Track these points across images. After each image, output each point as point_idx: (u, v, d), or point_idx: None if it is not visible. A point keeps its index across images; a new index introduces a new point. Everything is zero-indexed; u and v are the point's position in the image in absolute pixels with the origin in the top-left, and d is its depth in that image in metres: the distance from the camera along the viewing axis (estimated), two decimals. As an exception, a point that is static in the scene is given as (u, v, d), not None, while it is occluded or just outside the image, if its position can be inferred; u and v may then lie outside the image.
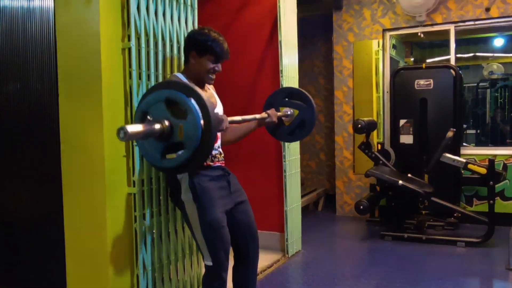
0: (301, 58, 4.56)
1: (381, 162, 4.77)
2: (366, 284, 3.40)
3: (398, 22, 5.35)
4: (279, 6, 3.82)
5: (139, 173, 2.25)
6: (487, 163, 4.21)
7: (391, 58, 5.56)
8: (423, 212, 4.81)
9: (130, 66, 2.23)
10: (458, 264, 3.76)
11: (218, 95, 2.43)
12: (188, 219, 2.21)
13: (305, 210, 5.09)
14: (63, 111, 2.25)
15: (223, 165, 2.33)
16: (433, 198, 4.30)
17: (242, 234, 2.33)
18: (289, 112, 2.59)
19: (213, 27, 2.25)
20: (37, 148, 2.58)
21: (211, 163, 2.23)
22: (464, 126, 6.34)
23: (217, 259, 2.17)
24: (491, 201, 4.19)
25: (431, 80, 4.92)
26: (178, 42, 2.54)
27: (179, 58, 2.55)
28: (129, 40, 2.22)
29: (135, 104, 2.23)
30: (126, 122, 2.24)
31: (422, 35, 5.44)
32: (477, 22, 5.07)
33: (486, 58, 7.84)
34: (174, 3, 2.50)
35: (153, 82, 2.34)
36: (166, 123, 1.67)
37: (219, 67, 2.25)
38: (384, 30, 5.44)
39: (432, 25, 5.20)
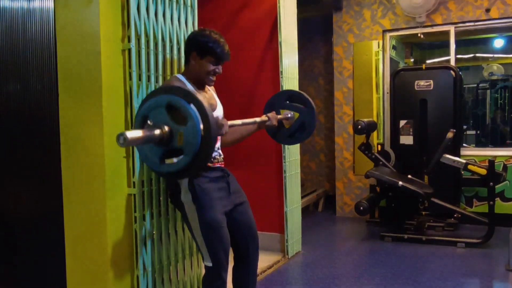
0: (301, 59, 4.56)
1: (381, 163, 4.77)
2: (366, 284, 3.40)
3: (398, 23, 5.35)
4: (279, 6, 3.82)
5: (139, 174, 2.25)
6: (487, 164, 4.21)
7: (391, 59, 5.56)
8: (423, 213, 4.81)
9: (130, 67, 2.23)
10: (458, 265, 3.76)
11: (218, 96, 2.43)
12: (187, 220, 2.21)
13: (305, 211, 5.09)
14: (63, 111, 2.25)
15: (223, 166, 2.33)
16: (433, 199, 4.30)
17: (242, 235, 2.33)
18: (289, 115, 2.59)
19: (213, 28, 2.25)
20: (37, 148, 2.58)
21: (211, 164, 2.23)
22: (464, 127, 6.34)
23: (217, 260, 2.17)
24: (491, 202, 4.19)
25: (431, 81, 4.92)
26: (178, 43, 2.54)
27: (179, 59, 2.55)
28: (129, 41, 2.22)
29: (135, 105, 2.23)
30: (126, 123, 2.24)
31: (422, 36, 5.44)
32: (477, 23, 5.07)
33: (486, 59, 7.85)
34: (174, 3, 2.50)
35: (153, 83, 2.34)
36: (166, 128, 1.67)
37: (219, 69, 2.25)
38: (384, 31, 5.44)
39: (432, 26, 5.20)
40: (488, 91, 7.61)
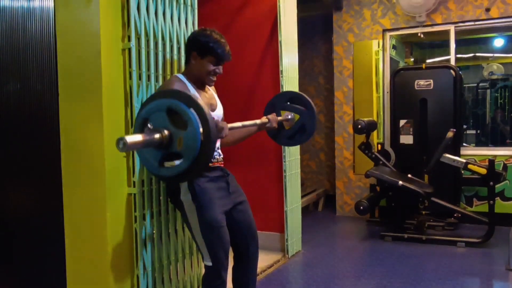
0: (301, 58, 4.56)
1: (381, 162, 4.77)
2: (366, 284, 3.40)
3: (398, 23, 5.35)
4: (279, 6, 3.82)
5: (139, 173, 2.25)
6: (487, 164, 4.21)
7: (391, 59, 5.56)
8: (423, 212, 4.80)
9: (130, 66, 2.23)
10: (458, 264, 3.76)
11: (218, 96, 2.43)
12: (187, 220, 2.21)
13: (305, 210, 5.09)
14: (63, 111, 2.26)
15: (222, 166, 2.33)
16: (433, 199, 4.30)
17: (242, 234, 2.33)
18: (289, 117, 2.59)
19: (213, 27, 2.25)
20: (37, 148, 2.58)
21: (210, 164, 2.22)
22: (464, 126, 6.34)
23: (216, 259, 2.17)
24: (491, 202, 4.19)
25: (431, 80, 4.92)
26: (178, 42, 2.54)
27: (179, 59, 2.55)
28: (129, 40, 2.23)
29: (135, 104, 2.23)
30: (126, 123, 2.24)
31: (422, 36, 5.44)
32: (477, 23, 5.07)
33: (486, 58, 7.85)
34: (174, 3, 2.50)
35: (153, 83, 2.34)
36: (166, 132, 1.67)
37: (220, 69, 2.24)
38: (384, 31, 5.44)
39: (432, 25, 5.20)
40: (488, 91, 7.61)
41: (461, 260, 3.89)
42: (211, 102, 2.31)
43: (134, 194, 2.25)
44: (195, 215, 2.16)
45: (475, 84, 7.75)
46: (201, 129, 1.66)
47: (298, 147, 4.15)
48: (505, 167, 4.88)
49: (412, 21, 5.24)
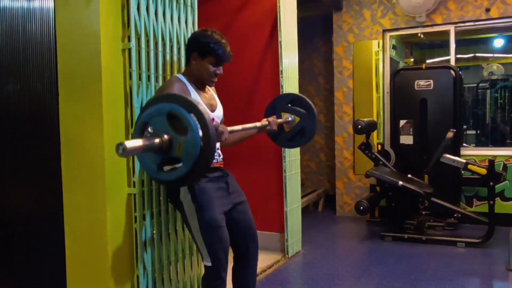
0: (301, 58, 4.56)
1: (381, 162, 4.77)
2: (366, 284, 3.40)
3: (398, 23, 5.35)
4: (279, 6, 3.82)
5: (139, 173, 2.25)
6: (487, 164, 4.21)
7: (391, 59, 5.56)
8: (423, 212, 4.81)
9: (130, 66, 2.23)
10: (458, 265, 3.76)
11: (218, 96, 2.43)
12: (187, 220, 2.21)
13: (305, 210, 5.09)
14: (63, 111, 2.25)
15: (222, 166, 2.33)
16: (433, 199, 4.30)
17: (242, 234, 2.33)
18: (290, 119, 2.59)
19: (213, 27, 2.25)
20: (37, 148, 2.58)
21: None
22: (464, 126, 6.34)
23: (216, 260, 2.17)
24: (491, 202, 4.19)
25: (431, 80, 4.92)
26: (178, 42, 2.54)
27: (179, 59, 2.55)
28: (129, 40, 2.22)
29: (135, 104, 2.23)
30: (126, 123, 2.24)
31: (422, 36, 5.44)
32: (477, 23, 5.07)
33: (486, 58, 7.85)
34: (174, 3, 2.50)
35: (153, 83, 2.34)
36: (166, 137, 1.67)
37: (220, 70, 2.24)
38: (384, 31, 5.44)
39: (432, 25, 5.20)
40: (488, 91, 7.60)
41: (461, 260, 3.89)
42: (211, 102, 2.31)
43: (134, 194, 2.25)
44: (194, 216, 2.15)
45: (475, 84, 7.74)
46: (201, 134, 1.66)
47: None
48: (505, 167, 4.88)
49: (412, 21, 5.24)
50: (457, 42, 5.29)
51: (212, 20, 3.96)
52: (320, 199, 6.11)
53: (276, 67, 3.90)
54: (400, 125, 5.08)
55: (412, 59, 7.16)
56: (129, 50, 2.22)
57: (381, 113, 5.52)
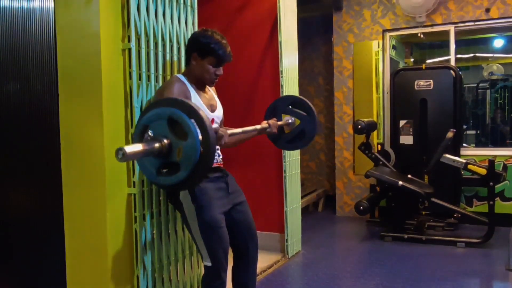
0: (301, 58, 4.56)
1: (381, 162, 4.77)
2: (366, 284, 3.40)
3: (398, 23, 5.35)
4: (279, 6, 3.82)
5: (139, 173, 2.25)
6: (487, 164, 4.21)
7: (391, 59, 5.56)
8: (423, 212, 4.81)
9: (130, 66, 2.23)
10: (458, 265, 3.76)
11: (218, 96, 2.43)
12: (186, 220, 2.21)
13: (305, 210, 5.09)
14: (63, 111, 2.26)
15: (222, 166, 2.33)
16: (433, 199, 4.30)
17: (241, 235, 2.33)
18: (290, 121, 2.59)
19: (213, 28, 2.25)
20: (37, 148, 2.58)
21: (210, 164, 2.22)
22: (464, 126, 6.34)
23: (216, 260, 2.17)
24: (491, 202, 4.19)
25: (431, 80, 4.92)
26: (178, 42, 2.54)
27: (179, 59, 2.56)
28: (129, 40, 2.23)
29: (135, 104, 2.23)
30: (126, 123, 2.24)
31: (422, 36, 5.44)
32: (477, 23, 5.07)
33: (486, 58, 7.85)
34: (174, 3, 2.50)
35: (153, 83, 2.34)
36: (165, 141, 1.67)
37: (220, 70, 2.24)
38: (384, 31, 5.44)
39: (432, 25, 5.20)
40: (488, 91, 7.60)
41: (461, 261, 3.89)
42: (211, 102, 2.31)
43: (134, 195, 2.25)
44: (194, 216, 2.15)
45: (475, 85, 7.74)
46: (201, 139, 1.66)
47: (298, 147, 4.14)
48: (505, 167, 4.89)
49: (412, 21, 5.24)
50: (457, 42, 5.30)
51: (212, 20, 3.96)
52: (320, 199, 6.11)
53: (276, 67, 3.90)
54: (400, 125, 5.08)
55: (412, 59, 7.16)
56: (129, 50, 2.23)
57: (381, 113, 5.52)
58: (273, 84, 3.93)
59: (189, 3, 2.63)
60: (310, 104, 2.60)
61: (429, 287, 3.30)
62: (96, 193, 2.16)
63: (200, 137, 1.65)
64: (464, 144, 5.69)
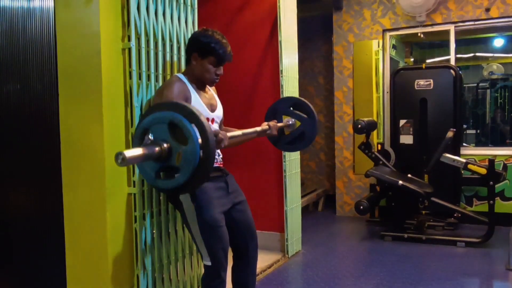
0: (301, 58, 4.56)
1: (381, 162, 4.77)
2: (366, 284, 3.40)
3: (398, 22, 5.35)
4: (279, 6, 3.82)
5: (139, 173, 2.25)
6: (487, 163, 4.21)
7: (391, 58, 5.56)
8: (423, 212, 4.81)
9: (130, 66, 2.23)
10: (458, 264, 3.76)
11: (219, 95, 2.43)
12: (186, 220, 2.21)
13: (305, 210, 5.09)
14: (63, 111, 2.26)
15: (221, 166, 2.33)
16: (433, 198, 4.30)
17: (241, 234, 2.33)
18: (290, 122, 2.60)
19: (213, 27, 2.25)
20: (37, 148, 2.58)
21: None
22: (464, 126, 6.34)
23: (216, 259, 2.17)
24: (491, 201, 4.19)
25: (431, 80, 4.92)
26: (178, 42, 2.54)
27: (179, 59, 2.56)
28: (129, 40, 2.23)
29: (135, 104, 2.23)
30: (126, 122, 2.24)
31: (422, 35, 5.44)
32: (477, 23, 5.07)
33: (486, 58, 7.85)
34: (174, 3, 2.50)
35: (153, 82, 2.34)
36: (165, 146, 1.67)
37: (220, 70, 2.24)
38: (384, 30, 5.44)
39: (432, 25, 5.20)
40: (488, 91, 7.61)
41: (461, 260, 3.89)
42: (211, 102, 2.31)
43: (134, 194, 2.25)
44: (194, 215, 2.16)
45: (475, 84, 7.75)
46: (201, 143, 1.66)
47: (298, 147, 4.14)
48: (505, 167, 4.89)
49: (412, 21, 5.24)
50: (457, 41, 5.29)
51: (212, 20, 3.96)
52: (320, 198, 6.12)
53: (276, 67, 3.90)
54: (400, 125, 5.08)
55: (412, 59, 7.16)
56: (129, 49, 2.23)
57: (381, 113, 5.52)
58: (273, 83, 3.93)
59: (189, 3, 2.63)
60: (311, 106, 2.60)
61: (429, 286, 3.30)
62: (96, 193, 2.16)
63: (200, 140, 1.65)
64: (464, 144, 5.69)
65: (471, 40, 7.21)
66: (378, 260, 3.95)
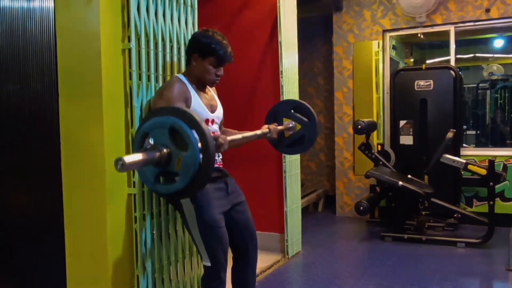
0: (301, 58, 4.56)
1: (381, 163, 4.77)
2: (366, 284, 3.40)
3: (398, 23, 5.35)
4: (279, 6, 3.82)
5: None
6: (487, 164, 4.21)
7: (391, 59, 5.56)
8: (423, 213, 4.81)
9: (130, 66, 2.23)
10: (458, 265, 3.76)
11: (219, 96, 2.43)
12: (186, 220, 2.21)
13: (305, 211, 5.09)
14: (63, 112, 2.26)
15: (221, 166, 2.33)
16: (433, 199, 4.30)
17: (241, 234, 2.33)
18: (290, 125, 2.60)
19: (213, 28, 2.25)
20: (37, 148, 2.58)
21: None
22: (464, 127, 6.34)
23: (215, 260, 2.17)
24: (491, 202, 4.19)
25: (431, 81, 4.92)
26: (178, 42, 2.54)
27: (179, 59, 2.55)
28: (129, 41, 2.23)
29: (135, 104, 2.23)
30: (126, 123, 2.24)
31: (422, 36, 5.44)
32: (477, 23, 5.07)
33: (486, 59, 7.85)
34: (174, 3, 2.50)
35: (153, 83, 2.34)
36: (165, 151, 1.67)
37: (221, 70, 2.23)
38: (384, 31, 5.44)
39: (432, 26, 5.20)
40: (488, 91, 7.61)
41: (461, 261, 3.89)
42: (211, 103, 2.31)
43: (134, 195, 2.25)
44: (193, 216, 2.15)
45: (475, 85, 7.75)
46: (200, 147, 1.66)
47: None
48: (505, 167, 4.88)
49: (412, 21, 5.24)
50: (457, 42, 5.30)
51: (212, 20, 3.96)
52: (320, 199, 6.11)
53: (276, 67, 3.90)
54: (400, 126, 5.08)
55: (412, 60, 7.16)
56: (129, 50, 2.22)
57: (381, 114, 5.52)
58: (273, 84, 3.93)
59: (189, 3, 2.63)
60: (312, 110, 2.60)
61: (429, 287, 3.30)
62: (96, 193, 2.16)
63: (199, 144, 1.65)
64: (464, 144, 5.69)
65: (471, 40, 7.22)
66: (378, 261, 3.94)
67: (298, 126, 2.61)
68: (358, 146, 4.91)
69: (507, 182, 4.83)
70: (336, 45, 5.69)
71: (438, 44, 7.10)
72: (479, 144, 7.32)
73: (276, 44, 3.89)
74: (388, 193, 4.59)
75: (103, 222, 2.15)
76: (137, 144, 1.76)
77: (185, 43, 2.54)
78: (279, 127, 2.52)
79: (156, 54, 2.39)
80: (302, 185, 4.48)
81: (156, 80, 2.37)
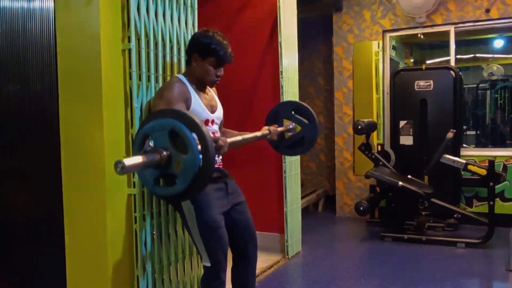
0: (301, 59, 4.56)
1: (381, 163, 4.77)
2: (366, 285, 3.40)
3: (398, 23, 5.35)
4: (279, 6, 3.82)
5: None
6: (487, 164, 4.21)
7: (391, 59, 5.56)
8: (423, 213, 4.81)
9: (130, 67, 2.23)
10: (458, 265, 3.76)
11: (219, 96, 2.43)
12: (186, 221, 2.21)
13: (305, 211, 5.09)
14: (63, 112, 2.25)
15: (221, 167, 2.33)
16: (433, 199, 4.30)
17: (241, 235, 2.33)
18: (291, 127, 2.60)
19: (213, 28, 2.25)
20: (37, 148, 2.58)
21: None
22: (464, 127, 6.35)
23: (215, 260, 2.17)
24: (491, 202, 4.19)
25: (431, 81, 4.92)
26: (178, 43, 2.54)
27: (179, 60, 2.55)
28: (129, 41, 2.22)
29: (135, 105, 2.23)
30: (126, 123, 2.24)
31: (422, 36, 5.44)
32: (477, 23, 5.07)
33: (486, 59, 7.85)
34: (174, 4, 2.50)
35: (153, 83, 2.34)
36: (165, 153, 1.67)
37: (221, 71, 2.23)
38: (384, 31, 5.44)
39: (432, 26, 5.20)
40: (488, 92, 7.61)
41: (461, 261, 3.89)
42: (212, 103, 2.31)
43: (134, 195, 2.25)
44: (193, 216, 2.15)
45: (475, 85, 7.75)
46: (200, 150, 1.67)
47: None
48: (505, 168, 4.88)
49: (412, 22, 5.24)
50: (457, 42, 5.29)
51: (212, 20, 3.96)
52: (320, 199, 6.11)
53: (276, 68, 3.90)
54: (400, 126, 5.08)
55: (412, 60, 7.17)
56: (129, 50, 2.22)
57: (381, 114, 5.52)
58: (273, 84, 3.93)
59: (189, 4, 2.63)
60: (312, 111, 2.60)
61: (429, 287, 3.30)
62: (96, 194, 2.16)
63: (199, 147, 1.65)
64: (464, 145, 5.69)
65: (471, 41, 7.22)
66: (378, 261, 3.94)
67: (298, 128, 2.61)
68: (358, 147, 4.91)
69: (507, 182, 4.83)
70: (336, 45, 5.69)
71: (438, 44, 7.10)
72: (479, 144, 7.33)
73: (276, 44, 3.89)
74: (388, 193, 4.59)
75: (103, 222, 2.15)
76: (137, 146, 1.76)
77: (185, 44, 2.54)
78: (279, 129, 2.52)
79: (156, 55, 2.39)
80: (302, 185, 4.48)
81: (156, 81, 2.37)
